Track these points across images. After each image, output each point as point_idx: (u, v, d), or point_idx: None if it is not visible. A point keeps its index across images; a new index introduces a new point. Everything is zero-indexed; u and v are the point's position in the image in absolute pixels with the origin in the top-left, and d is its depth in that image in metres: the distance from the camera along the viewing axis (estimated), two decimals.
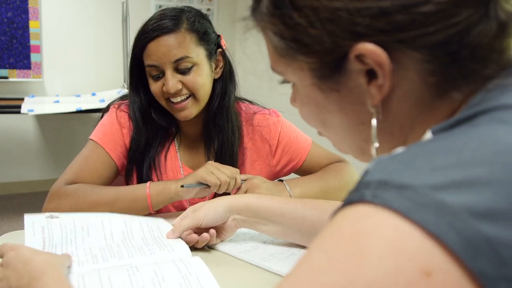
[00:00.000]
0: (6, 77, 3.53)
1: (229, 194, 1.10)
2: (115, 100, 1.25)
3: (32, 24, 3.58)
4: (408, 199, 0.31)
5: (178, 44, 1.08)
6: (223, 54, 1.19)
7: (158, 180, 1.17)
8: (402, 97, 0.43)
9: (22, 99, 3.31)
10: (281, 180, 1.19)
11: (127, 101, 1.21)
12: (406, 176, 0.33)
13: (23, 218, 0.97)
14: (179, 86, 1.10)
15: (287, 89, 0.54)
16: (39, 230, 0.92)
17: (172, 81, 1.09)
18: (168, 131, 1.23)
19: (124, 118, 1.18)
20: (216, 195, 1.14)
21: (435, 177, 0.32)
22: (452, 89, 0.42)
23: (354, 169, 1.26)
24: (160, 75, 1.11)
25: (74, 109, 2.98)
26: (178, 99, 1.12)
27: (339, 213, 0.35)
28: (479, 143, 0.34)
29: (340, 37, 0.41)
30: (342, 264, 0.31)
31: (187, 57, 1.09)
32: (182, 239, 0.91)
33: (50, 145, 3.85)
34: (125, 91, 3.17)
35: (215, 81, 1.18)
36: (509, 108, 0.37)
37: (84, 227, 0.94)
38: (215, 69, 1.17)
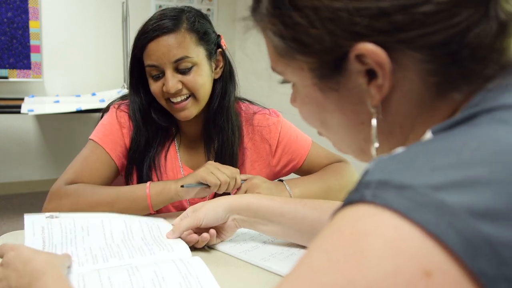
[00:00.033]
0: (6, 77, 3.53)
1: (229, 194, 1.10)
2: (115, 100, 1.25)
3: (32, 24, 3.58)
4: (408, 199, 0.31)
5: (178, 44, 1.08)
6: (223, 54, 1.19)
7: (158, 180, 1.17)
8: (402, 98, 0.43)
9: (22, 99, 3.31)
10: (281, 180, 1.19)
11: (127, 101, 1.21)
12: (406, 176, 0.33)
13: (23, 218, 0.97)
14: (179, 86, 1.10)
15: (287, 88, 0.54)
16: (39, 230, 0.92)
17: (172, 81, 1.09)
18: (168, 131, 1.23)
19: (124, 118, 1.18)
20: (216, 195, 1.14)
21: (435, 177, 0.32)
22: (452, 89, 0.42)
23: (354, 169, 1.26)
24: (160, 75, 1.11)
25: (74, 109, 2.98)
26: (178, 99, 1.12)
27: (339, 213, 0.35)
28: (479, 143, 0.34)
29: (340, 37, 0.41)
30: (342, 264, 0.31)
31: (187, 57, 1.09)
32: (182, 239, 0.91)
33: (50, 145, 3.85)
34: (125, 91, 3.17)
35: (215, 81, 1.18)
36: (509, 108, 0.37)
37: (84, 227, 0.94)
38: (215, 69, 1.17)
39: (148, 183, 1.07)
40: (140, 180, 1.16)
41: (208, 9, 4.26)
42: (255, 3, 0.48)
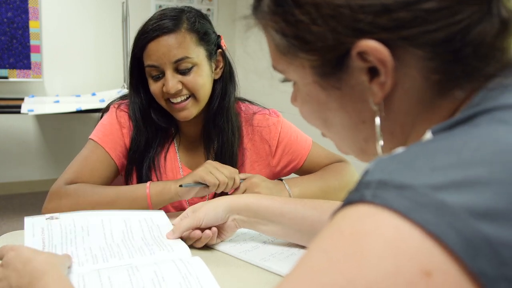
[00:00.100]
0: (6, 77, 3.53)
1: (227, 193, 1.10)
2: (115, 100, 1.25)
3: (32, 24, 3.58)
4: (408, 199, 0.31)
5: (178, 44, 1.08)
6: (223, 54, 1.19)
7: (158, 181, 1.17)
8: (403, 95, 0.43)
9: (22, 99, 3.31)
10: (281, 179, 1.19)
11: (127, 101, 1.21)
12: (406, 176, 0.33)
13: (23, 218, 0.97)
14: (179, 86, 1.10)
15: (288, 87, 0.54)
16: (38, 231, 0.92)
17: (172, 81, 1.09)
18: (168, 132, 1.23)
19: (124, 118, 1.18)
20: (215, 195, 1.14)
21: (435, 177, 0.32)
22: (454, 87, 0.42)
23: (354, 169, 1.26)
24: (160, 75, 1.11)
25: (74, 109, 2.98)
26: (178, 99, 1.12)
27: (339, 213, 0.35)
28: (479, 143, 0.34)
29: (342, 34, 0.41)
30: (342, 264, 0.31)
31: (187, 57, 1.09)
32: (183, 238, 0.91)
33: (50, 145, 3.85)
34: (125, 91, 3.17)
35: (215, 82, 1.18)
36: (509, 108, 0.37)
37: (84, 227, 0.94)
38: (215, 69, 1.17)
39: (148, 183, 1.07)
40: (140, 181, 1.16)
41: (208, 9, 4.26)
42: (257, 1, 0.48)
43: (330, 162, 1.27)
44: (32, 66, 3.61)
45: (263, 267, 0.85)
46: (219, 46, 1.18)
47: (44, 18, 3.63)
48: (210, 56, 1.14)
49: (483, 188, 0.30)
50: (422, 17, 0.39)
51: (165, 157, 1.21)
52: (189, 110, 1.13)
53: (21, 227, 0.95)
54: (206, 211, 0.90)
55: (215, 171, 1.05)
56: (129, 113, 1.18)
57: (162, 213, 1.05)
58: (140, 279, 0.72)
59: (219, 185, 1.05)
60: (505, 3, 0.40)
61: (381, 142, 0.46)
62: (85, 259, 0.81)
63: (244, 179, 1.12)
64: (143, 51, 1.10)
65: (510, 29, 0.40)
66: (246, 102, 1.30)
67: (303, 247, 0.93)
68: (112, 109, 1.20)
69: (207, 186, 1.05)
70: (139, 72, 1.15)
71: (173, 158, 1.22)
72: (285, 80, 0.52)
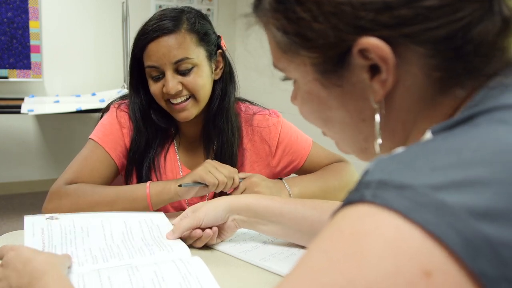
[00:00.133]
0: (6, 77, 3.53)
1: (226, 193, 1.10)
2: (115, 100, 1.25)
3: (32, 24, 3.58)
4: (408, 199, 0.31)
5: (178, 45, 1.08)
6: (223, 55, 1.19)
7: (158, 181, 1.17)
8: (405, 93, 0.43)
9: (22, 99, 3.31)
10: (280, 179, 1.19)
11: (127, 101, 1.20)
12: (406, 176, 0.32)
13: (23, 218, 0.97)
14: (179, 87, 1.10)
15: (288, 86, 0.54)
16: (38, 232, 0.91)
17: (172, 82, 1.09)
18: (168, 132, 1.22)
19: (124, 118, 1.18)
20: (215, 194, 1.14)
21: (435, 177, 0.32)
22: (455, 85, 0.42)
23: (354, 169, 1.26)
24: (160, 76, 1.11)
25: (74, 109, 2.98)
26: (178, 100, 1.12)
27: (339, 213, 0.35)
28: (479, 143, 0.34)
29: (343, 31, 0.41)
30: (342, 264, 0.31)
31: (187, 58, 1.08)
32: (184, 237, 0.91)
33: (50, 145, 3.85)
34: (125, 91, 3.17)
35: (215, 82, 1.18)
36: (509, 108, 0.37)
37: (84, 228, 0.94)
38: (215, 70, 1.17)
39: (148, 183, 1.07)
40: (140, 181, 1.16)
41: (208, 9, 4.26)
42: None
43: (330, 162, 1.27)
44: (32, 66, 3.61)
45: (263, 267, 0.85)
46: (219, 46, 1.18)
47: (44, 18, 3.63)
48: (210, 56, 1.14)
49: (483, 188, 0.30)
50: (424, 14, 0.39)
51: (165, 157, 1.21)
52: (189, 111, 1.13)
53: (21, 227, 0.95)
54: (206, 211, 0.90)
55: (214, 171, 1.05)
56: (129, 113, 1.18)
57: (161, 215, 1.05)
58: (140, 279, 0.72)
59: (218, 184, 1.05)
60: (506, 2, 0.40)
61: (379, 141, 0.46)
62: (85, 259, 0.81)
63: (243, 179, 1.12)
64: (143, 52, 1.10)
65: (511, 27, 0.40)
66: (246, 103, 1.30)
67: (303, 247, 0.93)
68: (112, 109, 1.20)
69: (206, 185, 1.05)
70: (139, 72, 1.15)
71: (173, 159, 1.22)
72: (286, 78, 0.52)
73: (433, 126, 0.40)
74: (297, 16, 0.43)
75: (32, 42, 3.60)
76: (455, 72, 0.41)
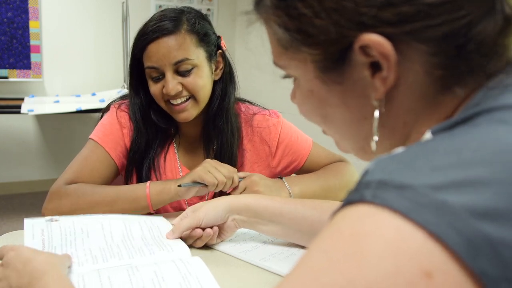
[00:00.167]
0: (6, 77, 3.53)
1: (226, 192, 1.10)
2: (115, 100, 1.25)
3: (32, 24, 3.58)
4: (409, 199, 0.31)
5: (178, 46, 1.08)
6: (223, 55, 1.19)
7: (158, 181, 1.17)
8: (406, 91, 0.43)
9: (22, 99, 3.31)
10: (281, 178, 1.18)
11: (127, 101, 1.20)
12: (406, 176, 0.32)
13: (23, 218, 0.97)
14: (179, 88, 1.10)
15: (288, 85, 0.53)
16: (38, 233, 0.91)
17: (172, 83, 1.09)
18: (167, 132, 1.22)
19: (125, 118, 1.18)
20: (215, 194, 1.14)
21: (435, 177, 0.32)
22: (456, 84, 0.42)
23: (355, 169, 1.26)
24: (160, 76, 1.11)
25: (74, 109, 2.98)
26: (178, 101, 1.11)
27: (338, 213, 0.35)
28: (479, 143, 0.34)
29: (345, 27, 0.41)
30: (342, 264, 0.31)
31: (187, 59, 1.08)
32: (183, 237, 0.91)
33: (50, 145, 3.85)
34: (125, 91, 3.17)
35: (215, 83, 1.18)
36: (509, 108, 0.37)
37: (83, 229, 0.94)
38: (215, 70, 1.17)
39: (148, 182, 1.07)
40: (140, 181, 1.16)
41: (208, 9, 4.26)
42: None
43: (330, 162, 1.27)
44: (32, 66, 3.61)
45: (263, 267, 0.85)
46: (219, 47, 1.18)
47: (44, 18, 3.63)
48: (210, 57, 1.14)
49: (484, 188, 0.30)
50: (426, 11, 0.39)
51: (164, 157, 1.21)
52: (189, 112, 1.13)
53: (21, 227, 0.95)
54: (206, 211, 0.90)
55: (213, 171, 1.05)
56: (129, 113, 1.18)
57: (161, 218, 1.05)
58: (140, 279, 0.72)
59: (217, 184, 1.05)
60: (508, 0, 0.40)
61: (376, 138, 0.45)
62: (85, 259, 0.81)
63: (243, 178, 1.12)
64: (143, 53, 1.10)
65: None
66: (246, 103, 1.30)
67: (303, 247, 0.93)
68: (112, 109, 1.20)
69: (206, 185, 1.05)
70: (139, 73, 1.15)
71: (173, 159, 1.22)
72: (286, 76, 0.51)
73: (433, 126, 0.40)
74: (299, 13, 0.43)
75: (32, 42, 3.60)
76: (456, 70, 0.41)
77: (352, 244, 0.32)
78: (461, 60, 0.41)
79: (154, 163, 1.18)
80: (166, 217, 1.06)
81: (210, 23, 1.18)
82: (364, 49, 0.41)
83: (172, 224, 0.97)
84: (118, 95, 1.63)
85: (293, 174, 1.29)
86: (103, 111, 1.25)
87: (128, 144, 1.17)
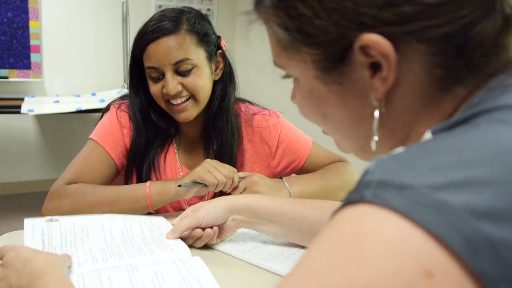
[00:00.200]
0: (6, 77, 3.53)
1: (226, 192, 1.10)
2: (115, 100, 1.25)
3: (32, 24, 3.58)
4: (409, 199, 0.31)
5: (178, 46, 1.08)
6: (223, 55, 1.19)
7: (158, 181, 1.17)
8: (405, 91, 0.43)
9: (22, 99, 3.31)
10: (281, 178, 1.18)
11: (127, 101, 1.20)
12: (406, 176, 0.32)
13: (23, 218, 0.97)
14: (179, 88, 1.10)
15: (289, 84, 0.53)
16: (38, 233, 0.91)
17: (172, 83, 1.09)
18: (167, 132, 1.22)
19: (125, 118, 1.18)
20: (215, 193, 1.14)
21: (435, 177, 0.32)
22: (456, 84, 0.42)
23: (355, 168, 1.26)
24: (160, 77, 1.11)
25: (74, 109, 2.98)
26: (178, 101, 1.11)
27: (338, 213, 0.35)
28: (479, 143, 0.34)
29: (345, 27, 0.41)
30: (342, 264, 0.31)
31: (187, 59, 1.08)
32: (183, 237, 0.91)
33: (50, 145, 3.85)
34: (125, 91, 3.17)
35: (215, 83, 1.18)
36: (509, 109, 0.37)
37: (83, 229, 0.94)
38: (215, 70, 1.17)
39: (148, 182, 1.07)
40: (139, 181, 1.16)
41: (208, 9, 4.26)
42: None
43: (330, 162, 1.27)
44: (32, 66, 3.61)
45: (263, 267, 0.85)
46: (219, 47, 1.18)
47: (44, 18, 3.63)
48: (210, 57, 1.14)
49: (484, 188, 0.30)
50: (426, 12, 0.39)
51: (164, 157, 1.21)
52: (189, 112, 1.13)
53: (21, 227, 0.95)
54: (206, 211, 0.90)
55: (213, 171, 1.05)
56: (129, 113, 1.18)
57: (161, 218, 1.05)
58: (140, 279, 0.72)
59: (217, 184, 1.05)
60: (508, 0, 0.40)
61: (376, 138, 0.45)
62: (85, 259, 0.81)
63: (243, 178, 1.12)
64: (143, 53, 1.10)
65: None
66: (246, 103, 1.30)
67: (303, 247, 0.93)
68: (112, 109, 1.20)
69: (205, 185, 1.05)
70: (139, 73, 1.15)
71: (173, 159, 1.22)
72: (286, 76, 0.51)
73: (433, 127, 0.40)
74: (299, 13, 0.43)
75: (32, 42, 3.60)
76: (456, 70, 0.41)
77: (352, 244, 0.32)
78: (461, 60, 0.41)
79: (154, 163, 1.18)
80: (166, 217, 1.06)
81: (210, 23, 1.18)
82: (364, 49, 0.41)
83: (172, 224, 0.97)
84: (118, 95, 1.63)
85: (293, 174, 1.29)
86: (103, 111, 1.25)
87: (128, 144, 1.17)
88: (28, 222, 0.96)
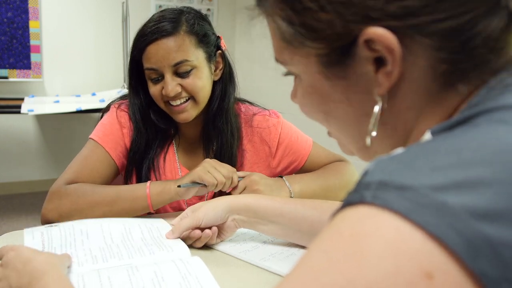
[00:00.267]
0: (6, 77, 3.53)
1: (225, 192, 1.10)
2: (115, 100, 1.25)
3: (32, 24, 3.58)
4: (409, 200, 0.31)
5: (177, 47, 1.08)
6: (223, 55, 1.18)
7: (158, 181, 1.17)
8: (409, 87, 0.42)
9: (22, 99, 3.31)
10: (281, 176, 1.18)
11: (127, 100, 1.20)
12: (406, 177, 0.32)
13: (23, 218, 0.97)
14: (179, 89, 1.10)
15: (289, 85, 0.53)
16: (38, 234, 0.91)
17: (172, 84, 1.09)
18: (167, 133, 1.22)
19: (125, 118, 1.18)
20: (214, 193, 1.14)
21: (436, 178, 0.31)
22: (460, 80, 0.41)
23: (354, 168, 1.26)
24: (159, 78, 1.11)
25: (74, 109, 2.98)
26: (178, 102, 1.11)
27: (338, 214, 0.35)
28: (479, 143, 0.34)
29: (350, 21, 0.41)
30: (342, 264, 0.31)
31: (186, 60, 1.08)
32: (183, 237, 0.91)
33: (50, 145, 3.85)
34: (125, 91, 3.17)
35: (214, 83, 1.17)
36: (509, 109, 0.37)
37: (83, 231, 0.94)
38: (215, 71, 1.17)
39: (148, 182, 1.07)
40: (139, 181, 1.16)
41: (208, 9, 4.26)
42: None
43: (330, 162, 1.27)
44: (32, 66, 3.61)
45: (263, 267, 0.85)
46: (218, 47, 1.17)
47: (44, 18, 3.63)
48: (210, 58, 1.14)
49: (484, 188, 0.30)
50: (431, 5, 0.39)
51: (164, 158, 1.21)
52: (189, 112, 1.13)
53: (21, 227, 0.95)
54: (206, 211, 0.90)
55: (213, 171, 1.05)
56: (129, 113, 1.18)
57: (161, 220, 1.05)
58: (140, 279, 0.72)
59: (217, 184, 1.05)
60: None
61: (374, 133, 0.45)
62: (85, 259, 0.81)
63: (243, 177, 1.12)
64: (142, 54, 1.10)
65: None
66: (246, 103, 1.29)
67: (303, 247, 0.93)
68: (112, 109, 1.20)
69: (205, 185, 1.05)
70: (138, 74, 1.15)
71: (172, 159, 1.22)
72: (288, 73, 0.51)
73: (433, 126, 0.40)
74: (304, 6, 0.43)
75: (32, 42, 3.60)
76: (460, 65, 0.41)
77: (352, 245, 0.32)
78: (465, 56, 0.40)
79: (154, 164, 1.18)
80: (166, 217, 1.07)
81: (209, 24, 1.17)
82: (369, 43, 0.41)
83: (172, 225, 0.97)
84: (118, 95, 1.63)
85: (293, 174, 1.29)
86: (103, 111, 1.25)
87: (128, 144, 1.17)
88: (28, 231, 0.95)
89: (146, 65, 1.10)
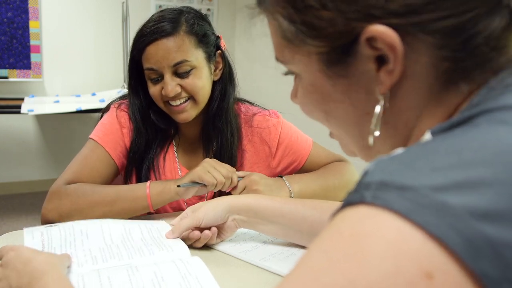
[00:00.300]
0: (6, 77, 3.53)
1: (225, 192, 1.10)
2: (115, 100, 1.25)
3: (32, 24, 3.58)
4: (409, 200, 0.31)
5: (177, 48, 1.07)
6: (223, 55, 1.18)
7: (158, 181, 1.17)
8: (411, 86, 0.42)
9: (22, 99, 3.31)
10: (281, 176, 1.18)
11: (127, 100, 1.20)
12: (406, 177, 0.32)
13: (23, 218, 0.97)
14: (178, 89, 1.10)
15: (289, 85, 0.53)
16: (38, 234, 0.91)
17: (171, 85, 1.08)
18: (167, 133, 1.22)
19: (124, 118, 1.18)
20: (214, 193, 1.14)
21: (436, 178, 0.31)
22: (461, 79, 0.41)
23: (355, 168, 1.26)
24: (159, 78, 1.11)
25: (74, 109, 2.98)
26: (177, 102, 1.11)
27: (338, 214, 0.35)
28: (479, 144, 0.33)
29: (352, 19, 0.41)
30: (343, 264, 0.31)
31: (186, 60, 1.08)
32: (182, 238, 0.91)
33: (50, 145, 3.85)
34: (125, 91, 3.16)
35: (214, 83, 1.17)
36: (509, 109, 0.37)
37: (83, 231, 0.94)
38: (215, 71, 1.17)
39: (148, 182, 1.07)
40: (139, 181, 1.16)
41: (208, 9, 4.26)
42: None
43: (330, 162, 1.27)
44: (32, 66, 3.61)
45: (263, 267, 0.85)
46: (218, 47, 1.17)
47: (44, 18, 3.63)
48: (209, 58, 1.14)
49: (484, 188, 0.30)
50: (434, 3, 0.39)
51: (164, 158, 1.21)
52: (188, 112, 1.13)
53: (21, 227, 0.95)
54: (206, 211, 0.90)
55: (212, 170, 1.05)
56: (129, 113, 1.18)
57: (161, 221, 1.05)
58: (140, 279, 0.72)
59: (216, 184, 1.05)
60: None
61: (377, 133, 0.45)
62: (85, 260, 0.81)
63: (242, 177, 1.12)
64: (142, 54, 1.10)
65: None
66: (246, 103, 1.29)
67: (303, 247, 0.93)
68: (112, 109, 1.20)
69: (205, 185, 1.05)
70: (138, 74, 1.15)
71: (172, 159, 1.22)
72: (288, 72, 0.51)
73: (434, 125, 0.40)
74: (305, 4, 0.43)
75: (32, 42, 3.60)
76: (462, 64, 0.41)
77: (353, 245, 0.32)
78: (467, 54, 0.40)
79: (154, 163, 1.18)
80: (166, 217, 1.07)
81: (209, 23, 1.17)
82: (370, 41, 0.41)
83: (172, 225, 0.97)
84: (118, 95, 1.62)
85: (293, 174, 1.29)
86: (103, 111, 1.25)
87: (128, 144, 1.17)
88: (28, 229, 0.95)
89: (146, 65, 1.10)
